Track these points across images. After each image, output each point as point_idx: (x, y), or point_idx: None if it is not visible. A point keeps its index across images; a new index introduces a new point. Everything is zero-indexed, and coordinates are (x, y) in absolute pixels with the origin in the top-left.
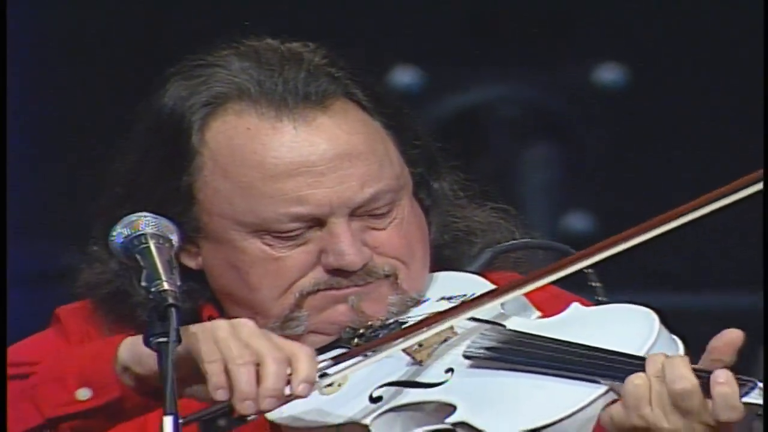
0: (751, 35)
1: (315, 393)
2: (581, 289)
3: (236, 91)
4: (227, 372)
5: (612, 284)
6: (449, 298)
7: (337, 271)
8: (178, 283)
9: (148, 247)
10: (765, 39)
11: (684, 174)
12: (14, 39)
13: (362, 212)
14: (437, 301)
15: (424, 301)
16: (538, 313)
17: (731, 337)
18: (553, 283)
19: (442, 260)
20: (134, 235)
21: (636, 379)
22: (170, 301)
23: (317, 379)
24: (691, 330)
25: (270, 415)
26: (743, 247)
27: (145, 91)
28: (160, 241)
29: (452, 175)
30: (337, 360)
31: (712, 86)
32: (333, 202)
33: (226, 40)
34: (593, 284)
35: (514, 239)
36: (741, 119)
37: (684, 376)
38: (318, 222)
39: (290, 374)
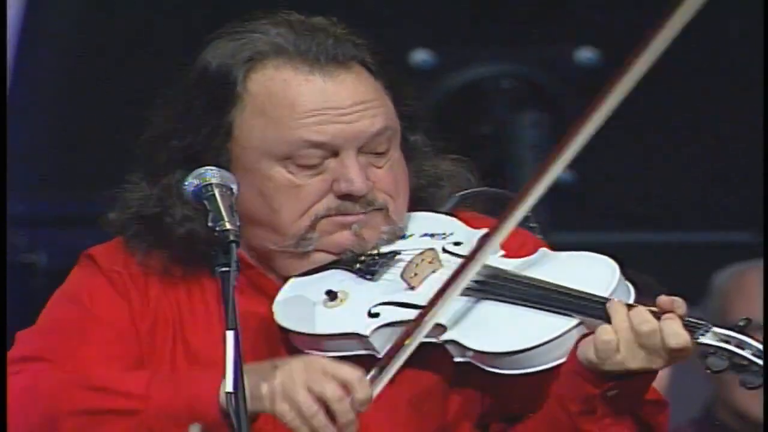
0: (712, 25)
1: (321, 307)
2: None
3: (275, 50)
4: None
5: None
6: (431, 235)
7: (346, 196)
8: (238, 224)
9: (214, 194)
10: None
11: (648, 135)
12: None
13: (367, 150)
14: (420, 236)
15: (410, 236)
16: (502, 252)
17: (662, 301)
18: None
19: (418, 201)
20: (203, 184)
21: (605, 335)
22: (231, 238)
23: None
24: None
25: (283, 324)
26: (695, 188)
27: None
28: (223, 190)
29: (424, 131)
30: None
31: (670, 64)
32: (347, 135)
33: (261, 11)
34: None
35: (471, 184)
36: (696, 90)
37: (647, 320)
38: (333, 153)
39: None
